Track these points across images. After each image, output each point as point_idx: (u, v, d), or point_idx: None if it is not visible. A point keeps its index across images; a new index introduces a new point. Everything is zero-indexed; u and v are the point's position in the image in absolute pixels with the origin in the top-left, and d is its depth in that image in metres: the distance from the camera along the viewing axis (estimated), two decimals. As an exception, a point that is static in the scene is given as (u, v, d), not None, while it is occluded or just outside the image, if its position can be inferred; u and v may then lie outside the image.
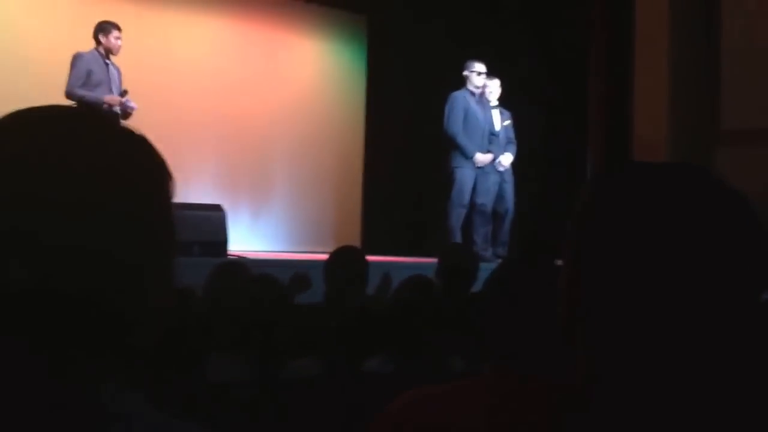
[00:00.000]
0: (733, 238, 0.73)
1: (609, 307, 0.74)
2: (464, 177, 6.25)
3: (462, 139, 6.26)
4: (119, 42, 5.48)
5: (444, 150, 6.44)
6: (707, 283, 0.72)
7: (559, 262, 0.85)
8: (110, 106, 5.38)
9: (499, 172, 6.41)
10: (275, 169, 7.94)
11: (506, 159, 6.43)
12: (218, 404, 1.58)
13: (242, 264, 3.51)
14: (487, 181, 6.34)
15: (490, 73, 6.50)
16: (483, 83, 6.39)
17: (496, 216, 6.45)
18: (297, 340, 2.31)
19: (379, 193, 8.06)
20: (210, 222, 5.50)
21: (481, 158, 6.28)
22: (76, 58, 5.36)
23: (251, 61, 7.75)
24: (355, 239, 7.41)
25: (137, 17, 7.07)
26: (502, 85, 6.56)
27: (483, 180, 6.33)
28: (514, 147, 6.54)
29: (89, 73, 5.34)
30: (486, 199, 6.33)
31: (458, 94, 6.36)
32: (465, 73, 6.42)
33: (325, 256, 6.32)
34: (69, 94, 5.24)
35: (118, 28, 5.50)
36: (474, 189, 6.31)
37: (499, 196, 6.42)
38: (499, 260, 6.09)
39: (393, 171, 8.05)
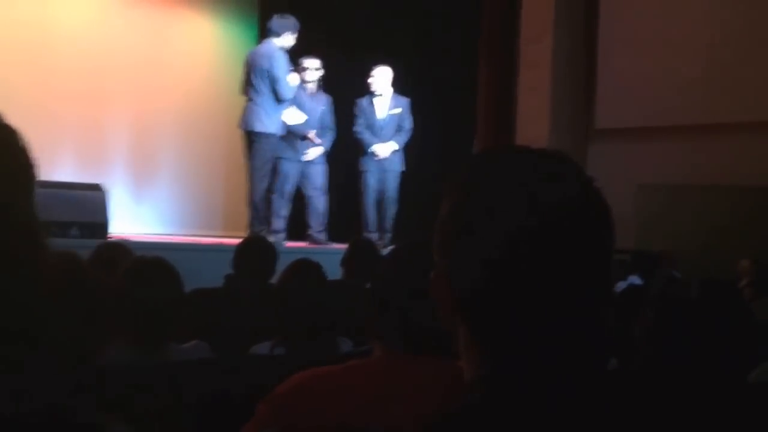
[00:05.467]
0: (599, 233, 0.77)
1: (489, 296, 0.75)
2: (289, 168, 6.18)
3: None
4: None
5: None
6: (580, 273, 0.75)
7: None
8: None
9: (380, 161, 6.46)
10: (161, 150, 7.68)
11: (383, 148, 6.46)
12: (106, 387, 1.55)
13: (126, 247, 3.41)
14: (310, 170, 6.29)
15: (381, 62, 6.55)
16: (314, 78, 6.28)
17: (380, 204, 6.54)
18: (189, 323, 2.29)
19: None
20: (89, 202, 5.28)
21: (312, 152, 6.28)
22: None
23: (135, 34, 7.39)
24: (242, 223, 7.30)
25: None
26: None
27: (306, 170, 6.29)
28: (402, 135, 6.57)
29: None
30: (309, 189, 6.28)
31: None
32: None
33: (212, 240, 6.19)
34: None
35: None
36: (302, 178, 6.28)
37: (382, 184, 6.50)
38: (384, 246, 6.21)
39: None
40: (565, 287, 0.74)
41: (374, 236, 6.31)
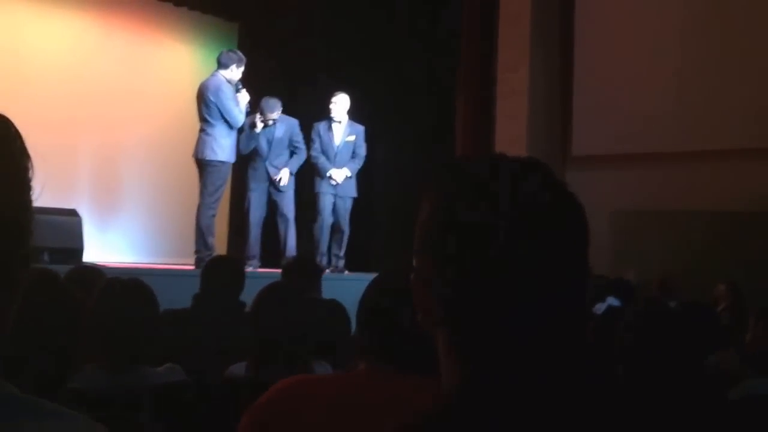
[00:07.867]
0: (579, 243, 0.78)
1: (467, 299, 0.75)
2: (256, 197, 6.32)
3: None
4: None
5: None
6: (564, 285, 0.75)
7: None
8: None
9: (335, 186, 6.47)
10: (131, 177, 7.59)
11: (339, 174, 6.46)
12: (80, 411, 1.51)
13: (99, 270, 3.37)
14: (280, 198, 6.37)
15: (340, 88, 6.58)
16: (271, 120, 6.30)
17: (334, 229, 6.51)
18: (162, 346, 2.25)
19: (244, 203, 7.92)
20: (64, 227, 5.21)
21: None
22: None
23: (112, 62, 7.37)
24: (219, 251, 7.24)
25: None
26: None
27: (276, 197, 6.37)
28: (356, 162, 6.55)
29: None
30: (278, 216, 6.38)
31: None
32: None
33: (183, 267, 6.11)
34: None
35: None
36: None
37: (335, 212, 6.50)
38: (329, 271, 6.15)
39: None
40: (542, 285, 0.74)
41: (325, 259, 6.31)
